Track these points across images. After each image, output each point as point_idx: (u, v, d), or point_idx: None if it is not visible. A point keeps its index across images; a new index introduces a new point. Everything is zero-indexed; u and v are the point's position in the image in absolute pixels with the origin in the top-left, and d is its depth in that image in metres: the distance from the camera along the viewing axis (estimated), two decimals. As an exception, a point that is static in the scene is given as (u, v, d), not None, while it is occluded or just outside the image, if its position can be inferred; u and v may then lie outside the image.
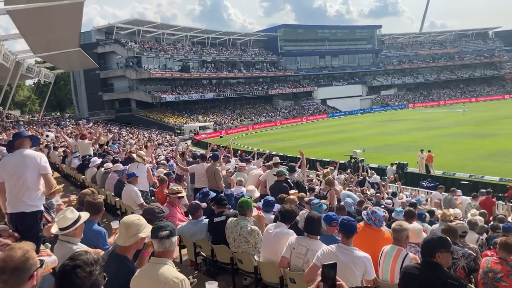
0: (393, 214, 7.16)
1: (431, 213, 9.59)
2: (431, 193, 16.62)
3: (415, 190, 19.40)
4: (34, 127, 35.50)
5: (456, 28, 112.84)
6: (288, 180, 8.66)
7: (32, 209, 4.77)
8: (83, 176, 11.74)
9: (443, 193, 14.17)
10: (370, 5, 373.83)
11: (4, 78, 33.05)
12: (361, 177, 17.16)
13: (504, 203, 14.71)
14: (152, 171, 9.69)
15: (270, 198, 6.41)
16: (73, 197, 6.06)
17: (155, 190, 8.87)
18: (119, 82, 65.21)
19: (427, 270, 3.45)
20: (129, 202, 7.63)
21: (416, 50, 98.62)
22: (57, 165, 15.63)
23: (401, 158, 24.86)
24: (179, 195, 6.47)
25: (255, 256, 5.04)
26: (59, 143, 19.88)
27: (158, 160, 14.25)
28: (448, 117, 56.27)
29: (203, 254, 5.93)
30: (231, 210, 5.88)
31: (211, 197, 6.54)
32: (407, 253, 4.21)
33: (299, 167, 10.33)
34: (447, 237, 3.68)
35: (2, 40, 26.51)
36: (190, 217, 6.08)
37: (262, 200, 6.54)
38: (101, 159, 11.20)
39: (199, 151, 27.35)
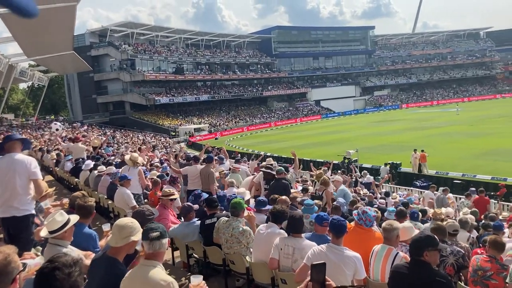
0: (385, 214, 7.21)
1: (424, 212, 9.64)
2: (424, 192, 16.70)
3: (408, 189, 19.47)
4: (28, 130, 35.36)
5: (448, 29, 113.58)
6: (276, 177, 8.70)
7: (23, 213, 4.76)
8: (76, 179, 11.70)
9: (435, 192, 14.26)
10: (363, 6, 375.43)
11: (-3, 82, 32.86)
12: (353, 178, 17.22)
13: (496, 201, 14.82)
14: (145, 174, 9.67)
15: (262, 198, 6.43)
16: (65, 201, 6.03)
17: (148, 192, 8.87)
18: (113, 84, 65.03)
19: (415, 269, 3.48)
20: (121, 205, 7.62)
21: (409, 50, 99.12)
22: (51, 168, 15.57)
23: (395, 158, 24.97)
24: (172, 197, 6.47)
25: (247, 257, 5.05)
26: (52, 146, 19.80)
27: (152, 162, 14.21)
28: (441, 116, 56.56)
29: (196, 255, 5.94)
30: (224, 212, 5.90)
31: (203, 199, 6.55)
32: (398, 252, 4.24)
33: (293, 168, 10.36)
34: (435, 236, 3.72)
35: (-5, 44, 26.39)
36: (182, 219, 6.09)
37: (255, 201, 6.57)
38: (94, 162, 11.17)
39: (194, 153, 27.33)
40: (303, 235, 4.63)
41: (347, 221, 4.95)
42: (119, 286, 3.09)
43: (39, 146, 19.85)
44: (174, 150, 27.87)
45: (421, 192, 18.13)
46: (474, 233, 7.78)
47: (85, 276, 2.25)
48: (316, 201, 7.67)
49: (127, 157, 9.67)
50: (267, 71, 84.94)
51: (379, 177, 21.15)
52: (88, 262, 3.80)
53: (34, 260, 2.82)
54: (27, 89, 66.29)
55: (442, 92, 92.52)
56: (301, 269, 3.98)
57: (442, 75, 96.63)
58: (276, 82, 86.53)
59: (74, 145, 13.95)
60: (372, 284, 4.25)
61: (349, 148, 26.16)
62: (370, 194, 12.67)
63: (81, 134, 24.38)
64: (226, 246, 5.17)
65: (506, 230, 7.35)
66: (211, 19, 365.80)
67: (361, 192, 13.27)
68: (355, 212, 5.41)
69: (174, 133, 56.83)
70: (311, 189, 10.53)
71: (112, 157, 14.10)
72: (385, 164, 22.69)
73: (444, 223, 6.18)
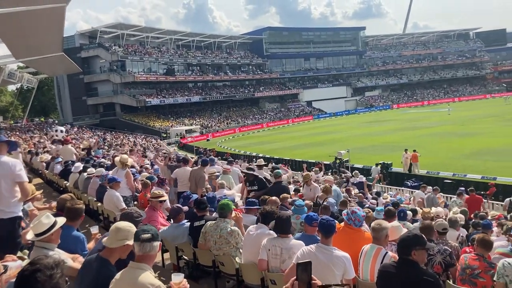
0: (374, 214, 7.22)
1: (414, 212, 9.70)
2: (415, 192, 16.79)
3: (399, 189, 19.57)
4: (17, 133, 35.04)
5: (438, 29, 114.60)
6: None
7: (9, 216, 4.71)
8: (65, 182, 11.61)
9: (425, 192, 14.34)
10: (354, 7, 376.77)
11: (-15, 84, 32.53)
12: (344, 178, 17.26)
13: (485, 200, 14.93)
14: (135, 176, 9.61)
15: (252, 199, 6.42)
16: (54, 204, 5.99)
17: (138, 194, 8.82)
18: (103, 86, 64.66)
19: (403, 268, 3.49)
20: (110, 207, 7.58)
21: (400, 51, 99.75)
22: (40, 171, 15.44)
23: (386, 158, 25.11)
24: (161, 199, 6.43)
25: (237, 258, 5.04)
26: (41, 148, 19.64)
27: (142, 164, 14.16)
28: (432, 117, 56.97)
29: (185, 257, 5.91)
30: (213, 214, 5.88)
31: (192, 200, 6.53)
32: (387, 252, 4.25)
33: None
34: (422, 235, 3.73)
35: (-18, 46, 26.08)
36: (172, 221, 6.06)
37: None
38: (83, 164, 11.09)
39: (188, 154, 27.27)
40: (292, 235, 4.63)
41: (337, 221, 4.96)
42: (108, 287, 3.06)
43: (28, 149, 19.68)
44: (164, 152, 27.80)
45: (412, 192, 18.23)
46: (464, 232, 7.83)
47: (67, 278, 2.22)
48: (306, 201, 7.68)
49: (117, 158, 9.61)
50: (259, 72, 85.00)
51: (371, 177, 21.25)
52: (75, 264, 3.77)
53: (16, 263, 2.79)
54: (16, 91, 65.74)
55: (432, 92, 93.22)
56: (290, 269, 3.97)
57: (433, 75, 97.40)
58: (268, 83, 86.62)
59: (64, 147, 13.85)
60: (361, 284, 4.26)
61: (341, 149, 26.28)
62: (360, 194, 12.71)
63: (70, 137, 24.21)
64: (215, 247, 5.16)
65: (495, 229, 7.40)
66: (202, 20, 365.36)
67: (353, 192, 13.29)
68: (344, 212, 5.42)
69: (165, 135, 56.61)
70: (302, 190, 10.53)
71: (103, 159, 14.01)
72: (376, 164, 22.81)
73: (433, 222, 6.22)
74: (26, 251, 4.59)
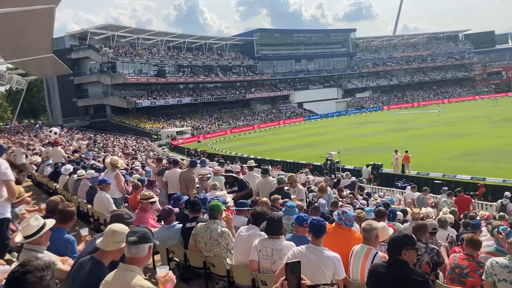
0: (364, 214, 7.25)
1: (404, 212, 9.76)
2: (405, 192, 16.91)
3: (390, 190, 19.69)
4: (6, 134, 34.68)
5: (428, 31, 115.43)
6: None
7: (-4, 217, 4.65)
8: (55, 184, 11.52)
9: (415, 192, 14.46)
10: (345, 9, 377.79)
11: (-27, 86, 32.17)
12: (335, 179, 17.34)
13: (474, 200, 15.08)
14: (126, 177, 9.57)
15: (243, 200, 6.42)
16: (43, 206, 5.94)
17: (128, 196, 8.78)
18: (93, 87, 64.25)
19: (393, 268, 3.51)
20: (101, 209, 7.53)
21: (390, 52, 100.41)
22: (29, 173, 15.29)
23: (376, 159, 25.24)
24: (151, 200, 6.41)
25: (228, 260, 5.04)
26: (31, 150, 19.45)
27: (133, 166, 14.08)
28: (422, 118, 57.39)
29: (176, 259, 5.90)
30: (205, 216, 5.86)
31: (183, 201, 6.51)
32: (377, 252, 4.27)
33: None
34: (412, 235, 3.76)
35: (-30, 47, 25.79)
36: (163, 223, 6.04)
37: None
38: (74, 166, 11.01)
39: (178, 156, 27.22)
40: (283, 236, 4.63)
41: (328, 222, 4.98)
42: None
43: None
44: (155, 153, 27.73)
45: (402, 192, 18.35)
46: (453, 232, 7.90)
47: (57, 281, 2.21)
48: (298, 202, 7.70)
49: (107, 160, 9.57)
50: (250, 74, 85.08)
51: (361, 178, 21.35)
52: (64, 267, 3.75)
53: (4, 267, 2.76)
54: (4, 92, 65.02)
55: (422, 93, 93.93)
56: (281, 270, 3.97)
57: (423, 77, 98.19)
58: (259, 85, 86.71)
59: (53, 149, 13.76)
60: (351, 284, 4.28)
61: (332, 150, 26.38)
62: (351, 195, 12.78)
63: (60, 139, 24.02)
64: (206, 249, 5.15)
65: (484, 229, 7.47)
66: (193, 22, 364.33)
67: (344, 193, 13.36)
68: (335, 212, 5.45)
69: (156, 136, 56.40)
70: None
71: (93, 161, 13.93)
72: (367, 165, 22.93)
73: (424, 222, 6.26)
74: (15, 254, 4.55)
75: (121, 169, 9.61)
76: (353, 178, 17.63)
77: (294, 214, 6.12)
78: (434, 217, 9.02)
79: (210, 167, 11.77)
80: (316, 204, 7.77)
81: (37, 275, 2.10)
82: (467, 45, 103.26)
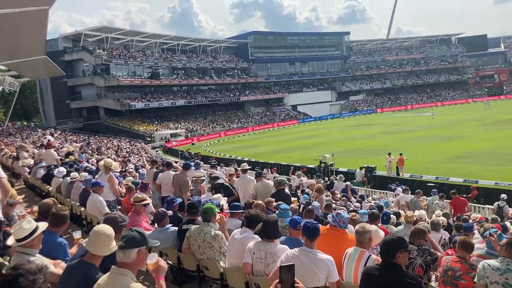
0: (358, 216, 7.27)
1: (397, 215, 9.79)
2: (398, 195, 16.95)
3: (383, 193, 19.74)
4: (-2, 136, 34.41)
5: (421, 34, 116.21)
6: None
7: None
8: (48, 186, 11.44)
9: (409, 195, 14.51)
10: (339, 12, 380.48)
11: (-35, 87, 31.93)
12: (328, 181, 17.37)
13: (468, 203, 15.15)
14: (119, 179, 9.53)
15: (237, 203, 6.42)
16: (36, 208, 5.90)
17: (122, 199, 8.74)
18: (87, 90, 64.01)
19: (386, 270, 3.52)
20: (94, 212, 7.50)
21: (384, 56, 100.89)
22: (21, 175, 15.18)
23: (370, 161, 25.33)
24: (144, 202, 6.38)
25: (221, 263, 5.04)
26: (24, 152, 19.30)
27: (127, 169, 14.04)
28: (415, 121, 57.65)
29: (170, 262, 5.87)
30: (199, 218, 5.85)
31: (176, 204, 6.50)
32: (370, 255, 4.28)
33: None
34: (404, 237, 3.78)
35: (-37, 48, 25.61)
36: (156, 225, 6.02)
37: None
38: (67, 169, 10.94)
39: (172, 158, 27.15)
40: (278, 240, 4.62)
41: (321, 225, 4.99)
42: None
43: (10, 153, 19.35)
44: (149, 156, 27.64)
45: (395, 195, 18.40)
46: (446, 235, 7.94)
47: (49, 285, 2.20)
48: (292, 205, 7.71)
49: (101, 162, 9.53)
50: (244, 76, 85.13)
51: (355, 181, 21.41)
52: (57, 270, 3.72)
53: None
54: (-3, 94, 64.63)
55: (416, 96, 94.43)
56: (275, 273, 3.98)
57: (416, 80, 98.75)
58: (253, 87, 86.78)
59: (46, 151, 13.66)
60: (345, 287, 4.29)
61: (325, 152, 26.42)
62: (344, 198, 12.82)
63: (53, 142, 23.89)
64: (199, 252, 5.14)
65: (476, 231, 7.51)
66: (188, 24, 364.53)
67: (338, 196, 13.40)
68: (329, 215, 5.46)
69: (149, 139, 56.24)
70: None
71: (86, 163, 13.85)
72: (361, 168, 22.98)
73: (416, 225, 6.29)
74: (7, 257, 4.51)
75: (114, 172, 9.57)
76: (344, 183, 17.67)
77: (288, 217, 6.13)
78: (426, 220, 9.06)
79: (204, 169, 11.78)
80: (310, 206, 7.78)
81: (29, 278, 2.11)
82: (460, 48, 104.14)
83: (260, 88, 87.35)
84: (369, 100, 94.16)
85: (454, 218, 11.40)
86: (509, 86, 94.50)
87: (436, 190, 14.48)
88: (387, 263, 3.56)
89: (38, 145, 20.00)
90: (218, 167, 16.35)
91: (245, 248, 4.59)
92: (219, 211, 5.66)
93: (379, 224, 6.59)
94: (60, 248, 4.35)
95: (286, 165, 28.74)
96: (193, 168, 11.26)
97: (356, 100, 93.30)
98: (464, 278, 4.53)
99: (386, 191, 20.06)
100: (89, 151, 24.07)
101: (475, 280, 4.22)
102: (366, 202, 12.89)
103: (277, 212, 6.47)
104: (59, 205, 5.00)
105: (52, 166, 12.27)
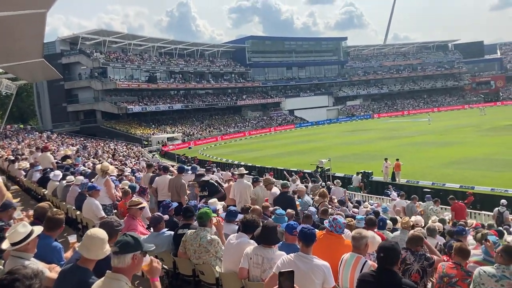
0: (355, 222, 7.26)
1: (394, 221, 9.79)
2: (394, 200, 16.95)
3: (380, 198, 19.75)
4: (-6, 139, 34.32)
5: (418, 40, 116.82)
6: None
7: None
8: (43, 190, 11.40)
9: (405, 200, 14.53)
10: (336, 18, 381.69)
11: (-39, 90, 31.83)
12: (325, 187, 17.35)
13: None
14: (115, 182, 9.50)
15: (233, 208, 6.40)
16: (31, 212, 5.88)
17: (118, 203, 8.71)
18: (84, 93, 63.89)
19: (383, 277, 3.52)
20: (89, 216, 7.46)
21: (381, 61, 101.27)
22: (17, 179, 15.13)
23: (367, 167, 25.35)
24: (139, 206, 6.34)
25: (217, 267, 5.02)
26: (19, 155, 19.26)
27: (123, 172, 14.00)
28: (412, 126, 57.82)
29: (165, 267, 5.85)
30: (195, 223, 5.83)
31: (172, 208, 6.47)
32: (366, 261, 4.28)
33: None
34: (397, 243, 3.79)
35: (-40, 50, 25.53)
36: (152, 230, 6.00)
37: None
38: (63, 172, 10.91)
39: (169, 162, 27.11)
40: (276, 246, 4.60)
41: (317, 230, 4.99)
42: None
43: (6, 156, 19.30)
44: (145, 160, 27.59)
45: (391, 200, 18.40)
46: (442, 240, 7.94)
47: None
48: (289, 210, 7.69)
49: (98, 166, 9.50)
50: (241, 81, 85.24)
51: (352, 186, 21.42)
52: (52, 275, 3.70)
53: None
54: (-7, 96, 64.41)
55: (412, 102, 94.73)
56: (271, 279, 3.97)
57: (413, 85, 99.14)
58: (250, 92, 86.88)
59: (42, 154, 13.62)
60: (341, 292, 4.28)
61: (322, 157, 26.44)
62: (338, 203, 12.81)
63: (50, 144, 23.85)
64: (195, 256, 5.12)
65: (470, 237, 7.52)
66: (185, 28, 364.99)
67: (335, 201, 13.37)
68: (326, 220, 5.46)
69: (146, 142, 56.14)
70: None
71: (82, 167, 13.82)
72: (357, 173, 22.99)
73: (412, 231, 6.30)
74: (2, 261, 4.48)
75: (111, 175, 9.55)
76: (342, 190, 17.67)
77: (284, 222, 6.12)
78: (422, 225, 9.07)
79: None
80: (307, 212, 7.77)
81: (25, 283, 2.11)
82: (457, 54, 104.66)
83: (257, 93, 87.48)
84: (366, 105, 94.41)
85: (451, 224, 11.41)
86: (505, 93, 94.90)
87: (430, 195, 14.47)
88: (383, 269, 3.56)
89: (34, 147, 19.97)
90: (215, 171, 16.31)
91: (241, 253, 4.57)
92: (215, 215, 5.65)
93: (376, 230, 6.58)
94: (55, 252, 4.32)
95: (283, 169, 28.75)
96: (189, 172, 11.26)
97: (353, 105, 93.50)
98: (460, 285, 4.53)
99: (383, 197, 20.07)
100: (86, 154, 23.99)
101: (471, 286, 4.22)
102: (363, 208, 12.88)
103: (272, 217, 6.46)
104: (55, 209, 4.97)
105: (48, 169, 12.23)
